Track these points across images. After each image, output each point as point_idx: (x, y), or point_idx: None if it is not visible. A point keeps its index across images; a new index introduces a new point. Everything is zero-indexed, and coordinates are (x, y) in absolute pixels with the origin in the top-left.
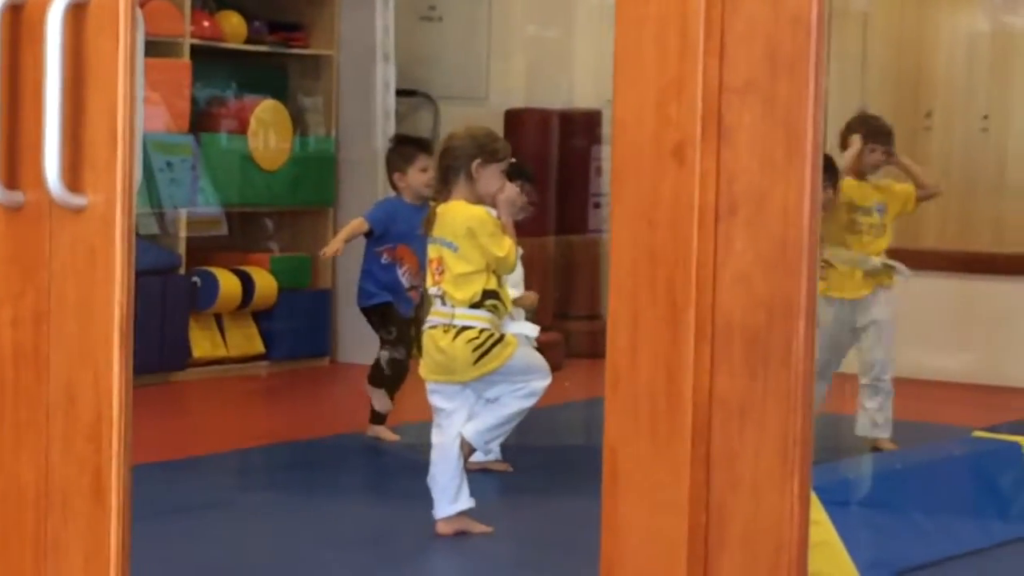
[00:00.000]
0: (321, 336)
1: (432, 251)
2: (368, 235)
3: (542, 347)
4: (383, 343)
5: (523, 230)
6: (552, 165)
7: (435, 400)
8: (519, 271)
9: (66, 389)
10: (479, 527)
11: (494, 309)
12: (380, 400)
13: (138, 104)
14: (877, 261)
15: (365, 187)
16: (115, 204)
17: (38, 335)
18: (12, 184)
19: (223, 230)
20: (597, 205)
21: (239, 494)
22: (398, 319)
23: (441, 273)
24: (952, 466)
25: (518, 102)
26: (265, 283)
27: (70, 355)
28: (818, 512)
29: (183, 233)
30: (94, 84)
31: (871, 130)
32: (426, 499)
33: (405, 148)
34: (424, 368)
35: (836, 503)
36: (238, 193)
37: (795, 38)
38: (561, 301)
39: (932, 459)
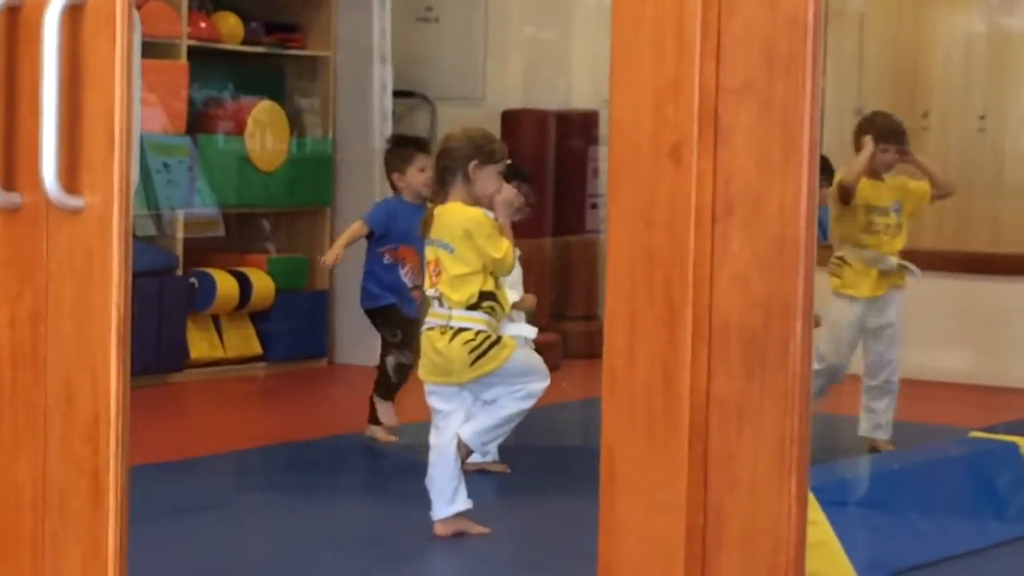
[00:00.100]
0: (318, 337)
1: (429, 253)
2: (369, 236)
3: (539, 347)
4: (388, 347)
5: (520, 231)
6: (549, 166)
7: (433, 401)
8: (518, 272)
9: (64, 390)
10: (477, 528)
11: (491, 311)
12: (387, 414)
13: (135, 105)
14: (894, 261)
15: (362, 188)
16: (112, 205)
17: (36, 336)
18: (9, 185)
19: (220, 231)
20: (594, 206)
21: (237, 495)
22: (403, 321)
23: (438, 275)
24: (949, 466)
25: (515, 103)
26: (262, 284)
27: (68, 356)
28: (816, 512)
29: (180, 234)
30: (91, 85)
31: (883, 130)
32: (424, 500)
33: (403, 148)
34: (422, 369)
35: (834, 503)
36: (235, 194)
37: (791, 39)
38: (558, 302)
39: (929, 459)
